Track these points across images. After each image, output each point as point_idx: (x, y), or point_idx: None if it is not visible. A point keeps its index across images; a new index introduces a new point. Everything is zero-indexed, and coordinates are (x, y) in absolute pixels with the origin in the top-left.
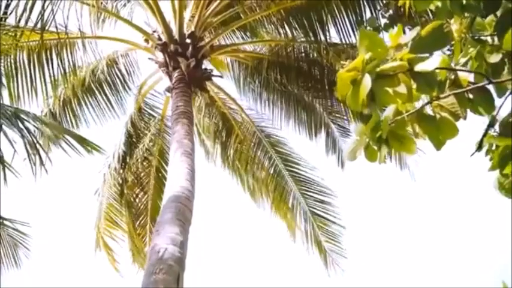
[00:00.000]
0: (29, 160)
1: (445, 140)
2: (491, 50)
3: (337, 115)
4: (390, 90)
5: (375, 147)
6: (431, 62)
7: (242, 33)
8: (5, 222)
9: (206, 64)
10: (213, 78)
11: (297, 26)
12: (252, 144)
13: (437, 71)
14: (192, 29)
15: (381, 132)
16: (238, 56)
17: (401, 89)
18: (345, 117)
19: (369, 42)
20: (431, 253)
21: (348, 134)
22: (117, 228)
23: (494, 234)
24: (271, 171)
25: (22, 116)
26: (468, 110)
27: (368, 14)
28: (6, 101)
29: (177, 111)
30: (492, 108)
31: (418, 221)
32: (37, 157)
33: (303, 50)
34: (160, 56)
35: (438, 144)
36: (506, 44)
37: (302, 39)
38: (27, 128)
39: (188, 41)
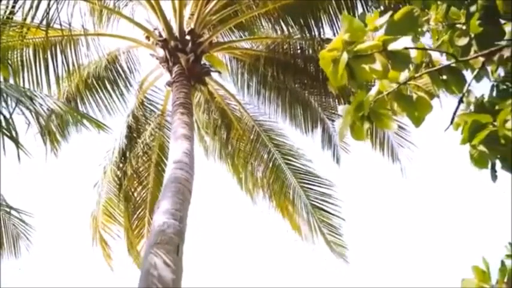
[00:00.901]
0: (43, 139)
1: (422, 117)
2: (459, 34)
3: (332, 111)
4: (366, 67)
5: (360, 126)
6: (402, 42)
7: (239, 30)
8: (12, 211)
9: (206, 62)
10: (213, 76)
11: (292, 23)
12: (251, 138)
13: (413, 55)
14: (192, 26)
15: (363, 111)
16: (236, 53)
17: (377, 66)
18: (340, 113)
19: (348, 25)
20: (426, 246)
21: None
22: (114, 222)
23: (490, 226)
24: (270, 165)
25: (35, 96)
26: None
27: (360, 10)
28: None
29: (177, 102)
30: (462, 87)
31: (412, 215)
32: (48, 139)
33: (298, 47)
34: (161, 52)
35: (416, 121)
36: (472, 28)
37: (297, 36)
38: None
39: (188, 37)
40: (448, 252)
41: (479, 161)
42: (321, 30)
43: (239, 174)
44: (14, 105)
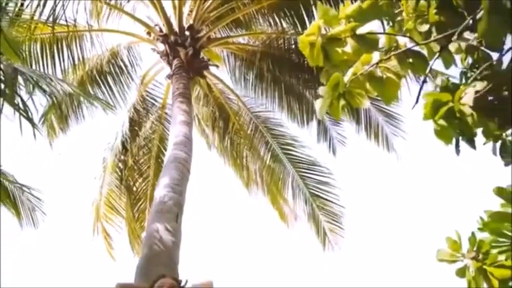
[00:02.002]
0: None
1: (391, 95)
2: (421, 22)
3: None
4: (339, 49)
5: (336, 104)
6: (367, 27)
7: (236, 27)
8: (24, 188)
9: (205, 56)
10: (211, 70)
11: (286, 19)
12: (249, 130)
13: (383, 40)
14: (191, 22)
15: (339, 90)
16: (233, 48)
17: (347, 48)
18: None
19: (323, 13)
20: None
21: (339, 123)
22: (116, 213)
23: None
24: (269, 156)
25: (50, 80)
26: None
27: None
28: None
29: (177, 92)
30: (425, 68)
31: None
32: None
33: (292, 42)
34: (161, 47)
35: (386, 99)
36: (431, 16)
37: (292, 32)
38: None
39: (187, 33)
40: (439, 232)
41: (441, 134)
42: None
43: (237, 164)
44: (31, 87)
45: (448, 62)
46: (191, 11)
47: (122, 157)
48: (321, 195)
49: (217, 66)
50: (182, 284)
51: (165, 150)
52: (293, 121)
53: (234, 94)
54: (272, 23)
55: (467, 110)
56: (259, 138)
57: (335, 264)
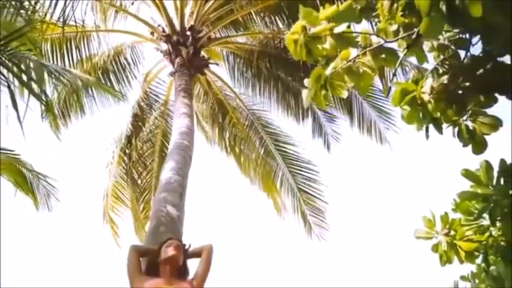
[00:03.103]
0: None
1: (365, 86)
2: (391, 23)
3: None
4: (319, 46)
5: (319, 93)
6: (342, 27)
7: (235, 27)
8: (39, 175)
9: (206, 55)
10: (211, 68)
11: (282, 19)
12: (245, 126)
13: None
14: (192, 23)
15: (321, 82)
16: (232, 48)
17: (326, 45)
18: (331, 104)
19: (305, 15)
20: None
21: (333, 119)
22: (122, 204)
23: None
24: (263, 150)
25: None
26: None
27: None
28: None
29: (179, 88)
30: (395, 62)
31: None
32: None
33: None
34: (164, 46)
35: (361, 89)
36: (397, 19)
37: (287, 32)
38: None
39: (188, 33)
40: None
41: (407, 118)
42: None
43: (234, 157)
44: (52, 79)
45: (421, 58)
46: (192, 12)
47: (127, 151)
48: (308, 190)
49: (217, 64)
50: (186, 247)
51: (168, 144)
52: (289, 117)
53: (232, 91)
54: (269, 24)
55: (426, 97)
56: (255, 133)
57: (323, 251)
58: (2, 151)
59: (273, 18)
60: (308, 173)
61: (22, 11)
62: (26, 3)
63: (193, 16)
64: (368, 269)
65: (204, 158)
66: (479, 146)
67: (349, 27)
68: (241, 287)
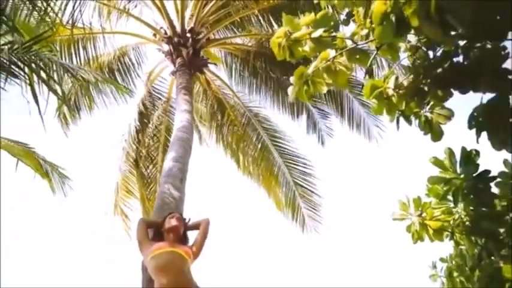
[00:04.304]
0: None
1: (342, 82)
2: (362, 28)
3: (316, 99)
4: (300, 48)
5: (302, 89)
6: (318, 32)
7: (232, 29)
8: (53, 165)
9: (205, 56)
10: (210, 68)
11: (275, 22)
12: (243, 123)
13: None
14: (192, 25)
15: (303, 79)
16: (230, 48)
17: (306, 47)
18: (324, 102)
19: (288, 21)
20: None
21: (327, 116)
22: (131, 196)
23: None
24: (260, 146)
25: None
26: None
27: (330, 11)
28: None
29: (180, 86)
30: (367, 62)
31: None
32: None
33: None
34: (166, 47)
35: (339, 85)
36: (367, 24)
37: None
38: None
39: (188, 35)
40: None
41: (376, 109)
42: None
43: (232, 153)
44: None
45: (394, 57)
46: (192, 15)
47: (134, 146)
48: (303, 184)
49: (215, 64)
50: (186, 221)
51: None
52: (284, 114)
53: (230, 89)
54: (264, 26)
55: (390, 92)
56: (252, 130)
57: (318, 243)
58: (18, 143)
59: (267, 20)
60: (303, 167)
61: (35, 13)
62: (39, 3)
63: (193, 19)
64: (360, 258)
65: (202, 153)
66: (437, 134)
67: (328, 31)
68: (237, 279)
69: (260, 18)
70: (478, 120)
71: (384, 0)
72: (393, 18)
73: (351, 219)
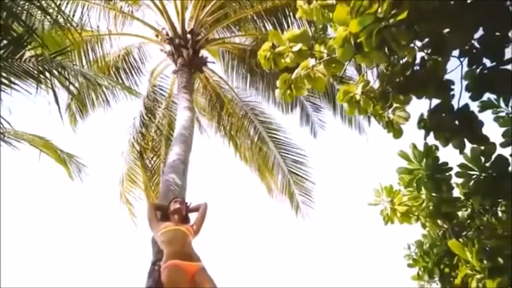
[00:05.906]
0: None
1: (320, 87)
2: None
3: (309, 94)
4: (282, 60)
5: (286, 93)
6: (297, 47)
7: (230, 29)
8: (69, 155)
9: (204, 53)
10: (209, 65)
11: (269, 22)
12: (240, 115)
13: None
14: (192, 26)
15: (287, 84)
16: (228, 47)
17: (288, 59)
18: (317, 96)
19: (273, 36)
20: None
21: (319, 110)
22: (136, 186)
23: None
24: (256, 137)
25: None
26: None
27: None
28: None
29: (181, 85)
30: (341, 70)
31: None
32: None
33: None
34: (168, 48)
35: (318, 89)
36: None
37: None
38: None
39: (189, 36)
40: None
41: (349, 111)
42: (291, 27)
43: (233, 142)
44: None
45: (368, 65)
46: (192, 17)
47: (139, 139)
48: (297, 172)
49: (214, 62)
50: (187, 204)
51: (173, 131)
52: (279, 108)
53: (227, 85)
54: (259, 26)
55: (357, 96)
56: (249, 122)
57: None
58: (40, 138)
59: (262, 21)
60: (297, 156)
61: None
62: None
63: (193, 20)
64: (346, 240)
65: (203, 144)
66: (397, 132)
67: (307, 45)
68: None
69: (255, 19)
70: (425, 122)
71: (345, 27)
72: (352, 42)
73: (340, 203)
